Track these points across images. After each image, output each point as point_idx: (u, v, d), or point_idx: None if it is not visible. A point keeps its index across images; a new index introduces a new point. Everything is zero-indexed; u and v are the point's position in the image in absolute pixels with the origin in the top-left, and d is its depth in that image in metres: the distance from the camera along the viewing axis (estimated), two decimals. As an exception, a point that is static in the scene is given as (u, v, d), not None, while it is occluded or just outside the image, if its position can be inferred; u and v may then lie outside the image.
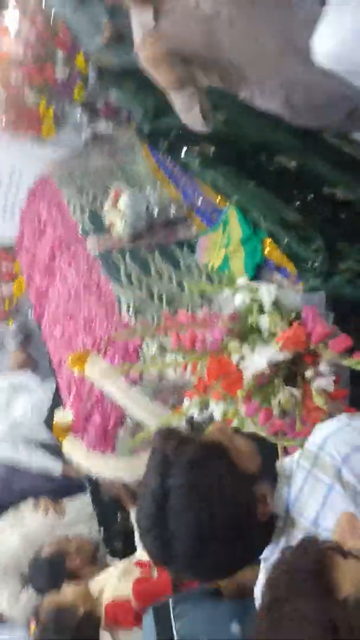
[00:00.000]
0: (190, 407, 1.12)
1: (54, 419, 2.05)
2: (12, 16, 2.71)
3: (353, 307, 1.28)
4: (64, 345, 2.13)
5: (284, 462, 0.94)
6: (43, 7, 2.69)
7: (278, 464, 0.94)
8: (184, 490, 0.84)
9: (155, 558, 0.91)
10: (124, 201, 2.19)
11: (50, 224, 2.51)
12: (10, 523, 2.74)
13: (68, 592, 1.70)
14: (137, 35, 1.59)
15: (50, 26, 2.65)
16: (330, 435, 0.88)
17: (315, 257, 1.34)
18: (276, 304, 1.09)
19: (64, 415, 2.01)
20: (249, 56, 1.53)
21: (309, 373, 1.00)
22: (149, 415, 1.70)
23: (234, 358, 1.02)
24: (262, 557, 0.92)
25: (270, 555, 0.91)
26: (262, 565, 0.95)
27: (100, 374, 1.74)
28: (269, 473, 0.90)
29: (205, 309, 1.29)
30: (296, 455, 0.92)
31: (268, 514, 0.87)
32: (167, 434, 0.91)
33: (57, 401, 2.40)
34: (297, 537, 0.86)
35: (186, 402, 1.16)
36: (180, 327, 1.10)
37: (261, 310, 1.06)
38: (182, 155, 1.86)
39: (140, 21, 1.58)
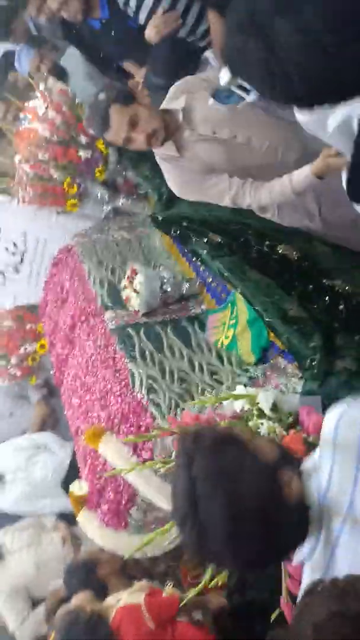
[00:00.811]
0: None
1: (70, 488, 2.15)
2: (39, 101, 2.95)
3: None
4: (81, 416, 2.25)
5: (306, 460, 0.97)
6: (69, 94, 2.94)
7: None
8: (208, 475, 0.88)
9: (194, 551, 0.94)
10: (139, 280, 2.34)
11: (72, 293, 2.67)
12: (28, 542, 2.83)
13: (78, 596, 1.78)
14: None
15: (74, 112, 2.88)
16: (340, 417, 0.91)
17: (313, 354, 1.44)
18: (274, 408, 1.18)
19: (80, 487, 2.10)
20: (271, 168, 1.68)
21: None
22: (160, 496, 1.78)
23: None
24: (304, 555, 0.94)
25: (311, 552, 0.92)
26: (306, 565, 0.96)
27: (113, 454, 1.84)
28: (289, 461, 0.94)
29: (210, 409, 1.38)
30: (317, 450, 0.96)
31: (294, 497, 0.88)
32: (184, 434, 0.97)
33: (75, 463, 2.50)
34: (335, 528, 0.88)
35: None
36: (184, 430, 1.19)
37: (261, 414, 1.15)
38: (193, 244, 2.00)
39: (164, 154, 1.76)
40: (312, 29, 0.79)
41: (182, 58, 2.04)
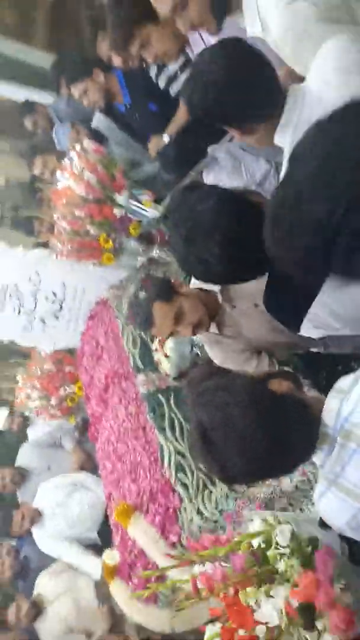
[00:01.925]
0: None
1: (103, 557, 2.22)
2: (75, 162, 3.05)
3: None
4: (113, 483, 2.31)
5: (342, 380, 1.05)
6: (104, 153, 3.03)
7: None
8: (207, 406, 1.01)
9: (219, 476, 1.06)
10: (169, 345, 2.38)
11: (106, 351, 2.75)
12: (64, 587, 2.93)
13: None
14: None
15: (110, 172, 2.97)
16: None
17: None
18: (293, 537, 1.18)
19: (112, 556, 2.17)
20: None
21: (319, 624, 1.07)
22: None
23: (250, 601, 1.12)
24: (318, 464, 1.04)
25: (324, 463, 1.03)
26: (319, 473, 1.07)
27: (142, 536, 1.89)
28: (278, 373, 1.10)
29: (229, 529, 1.40)
30: (358, 372, 1.03)
31: (284, 391, 1.01)
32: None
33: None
34: (350, 449, 0.98)
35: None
36: (201, 555, 1.21)
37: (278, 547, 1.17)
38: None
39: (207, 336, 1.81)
40: None
41: (188, 155, 2.05)
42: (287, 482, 1.81)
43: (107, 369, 2.65)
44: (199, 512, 1.82)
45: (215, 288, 1.75)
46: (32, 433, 4.08)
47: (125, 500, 2.12)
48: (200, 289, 1.79)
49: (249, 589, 1.14)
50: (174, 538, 1.83)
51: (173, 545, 1.84)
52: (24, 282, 3.33)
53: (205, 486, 1.89)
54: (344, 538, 1.20)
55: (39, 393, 3.68)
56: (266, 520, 1.19)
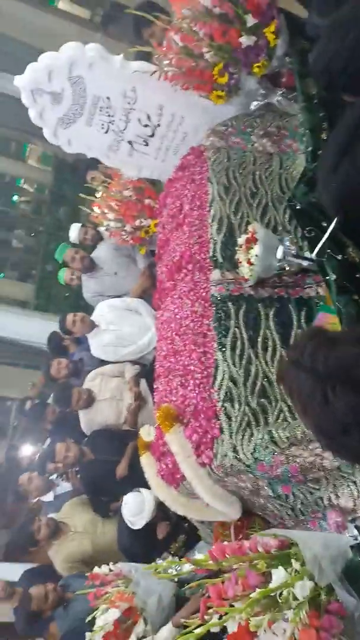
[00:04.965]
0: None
1: (140, 432, 2.38)
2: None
3: None
4: (163, 370, 2.33)
5: None
6: None
7: None
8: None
9: None
10: (255, 252, 2.10)
11: (189, 223, 2.48)
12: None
13: None
14: None
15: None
16: None
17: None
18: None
19: (149, 433, 2.33)
20: None
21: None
22: (203, 492, 1.94)
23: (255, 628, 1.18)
24: None
25: None
26: None
27: (177, 447, 1.97)
28: None
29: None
30: None
31: None
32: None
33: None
34: None
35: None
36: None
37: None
38: (325, 256, 1.72)
39: None
40: None
41: None
42: (329, 460, 1.76)
43: (184, 245, 2.42)
44: (235, 449, 1.84)
45: None
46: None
47: (170, 399, 2.17)
48: None
49: (254, 620, 1.19)
50: (206, 460, 1.90)
51: (203, 465, 1.92)
52: (118, 97, 2.85)
53: (249, 426, 1.87)
54: None
55: (114, 216, 3.53)
56: (290, 573, 1.18)
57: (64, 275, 4.08)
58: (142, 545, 2.77)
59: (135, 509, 2.73)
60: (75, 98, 2.72)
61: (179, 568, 2.52)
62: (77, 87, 2.67)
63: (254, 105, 2.70)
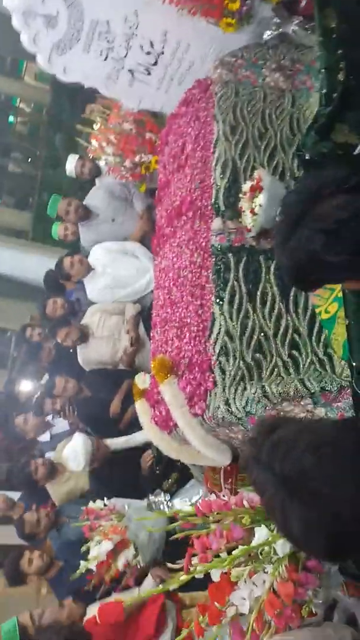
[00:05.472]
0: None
1: (135, 379, 2.41)
2: None
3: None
4: (160, 320, 2.31)
5: None
6: None
7: None
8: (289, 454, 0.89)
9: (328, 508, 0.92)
10: (260, 201, 2.02)
11: (191, 165, 2.36)
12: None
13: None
14: None
15: None
16: None
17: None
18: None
19: (144, 381, 2.35)
20: None
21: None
22: (195, 440, 1.99)
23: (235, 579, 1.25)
24: None
25: None
26: None
27: (171, 398, 1.99)
28: None
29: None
30: None
31: None
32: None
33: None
34: None
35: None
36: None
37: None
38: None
39: None
40: None
41: None
42: (320, 411, 1.80)
43: (185, 189, 2.31)
44: (227, 402, 1.86)
45: None
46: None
47: (166, 349, 2.17)
48: None
49: (236, 571, 1.25)
50: (198, 411, 1.93)
51: (195, 415, 1.96)
52: (119, 21, 2.63)
53: (242, 380, 1.88)
54: None
55: (113, 150, 3.37)
56: (273, 531, 1.23)
57: (57, 230, 3.79)
58: (121, 475, 2.94)
59: (69, 453, 2.89)
60: (72, 22, 2.51)
61: (171, 505, 2.67)
62: (74, 9, 2.46)
63: (267, 35, 2.50)
